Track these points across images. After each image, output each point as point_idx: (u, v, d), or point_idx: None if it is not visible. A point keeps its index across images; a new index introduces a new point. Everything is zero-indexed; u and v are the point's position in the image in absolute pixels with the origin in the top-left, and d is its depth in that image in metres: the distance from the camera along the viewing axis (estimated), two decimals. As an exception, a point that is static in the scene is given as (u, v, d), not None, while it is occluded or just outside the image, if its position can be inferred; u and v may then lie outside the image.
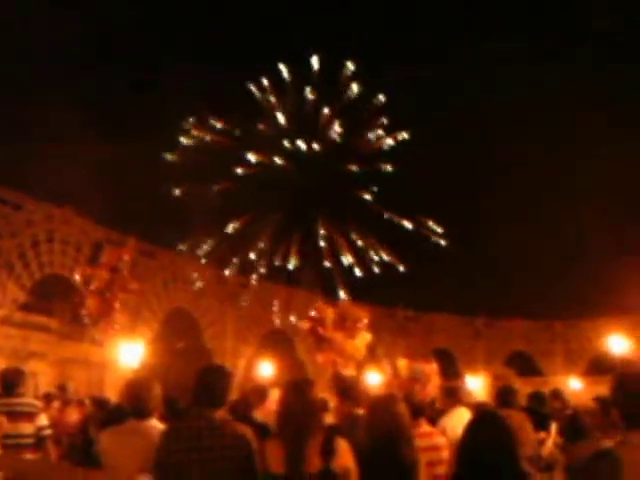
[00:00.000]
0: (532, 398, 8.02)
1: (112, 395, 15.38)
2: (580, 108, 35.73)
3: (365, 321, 27.35)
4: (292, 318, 33.23)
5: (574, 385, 33.83)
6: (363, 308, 28.50)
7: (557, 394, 10.79)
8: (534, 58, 39.35)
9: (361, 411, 5.21)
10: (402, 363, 25.55)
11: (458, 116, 38.72)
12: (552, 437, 6.66)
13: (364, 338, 27.10)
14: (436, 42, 39.89)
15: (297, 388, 4.18)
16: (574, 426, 6.55)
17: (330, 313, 27.40)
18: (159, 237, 29.40)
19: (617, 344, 27.41)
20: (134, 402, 5.25)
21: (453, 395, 7.87)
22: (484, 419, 3.71)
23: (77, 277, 24.23)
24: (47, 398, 14.02)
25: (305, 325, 27.82)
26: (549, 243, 38.07)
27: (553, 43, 38.55)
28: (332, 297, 30.08)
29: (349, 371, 25.34)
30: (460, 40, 40.20)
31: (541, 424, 6.69)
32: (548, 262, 38.07)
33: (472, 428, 3.64)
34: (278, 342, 34.62)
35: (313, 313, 27.80)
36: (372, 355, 28.29)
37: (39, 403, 7.77)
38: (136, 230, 25.76)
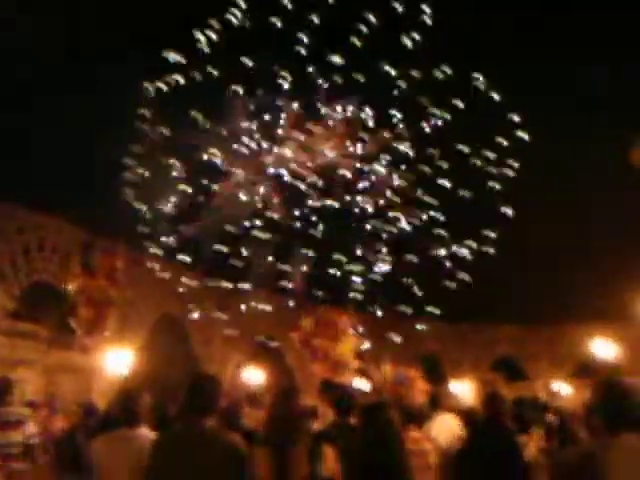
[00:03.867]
0: (514, 403, 8.12)
1: (100, 402, 15.33)
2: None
3: (344, 323, 27.16)
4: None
5: (560, 389, 33.99)
6: (344, 314, 28.35)
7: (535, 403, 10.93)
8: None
9: (352, 418, 5.27)
10: (386, 368, 25.64)
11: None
12: (534, 441, 6.74)
13: (349, 342, 26.97)
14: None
15: (283, 395, 4.23)
16: (562, 431, 6.64)
17: (308, 320, 27.31)
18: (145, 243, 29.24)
19: (602, 348, 27.60)
20: (125, 410, 5.31)
21: (437, 401, 7.98)
22: (486, 429, 3.77)
23: (71, 286, 24.18)
24: (32, 406, 14.01)
25: (294, 336, 27.72)
26: (535, 247, 38.15)
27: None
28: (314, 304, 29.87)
29: (339, 378, 25.29)
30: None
31: (523, 429, 6.79)
32: (533, 266, 38.14)
33: (474, 438, 3.70)
34: (267, 349, 34.57)
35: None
36: (360, 361, 28.23)
37: (27, 411, 7.79)
38: (124, 237, 25.70)
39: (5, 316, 23.72)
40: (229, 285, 33.77)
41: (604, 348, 27.50)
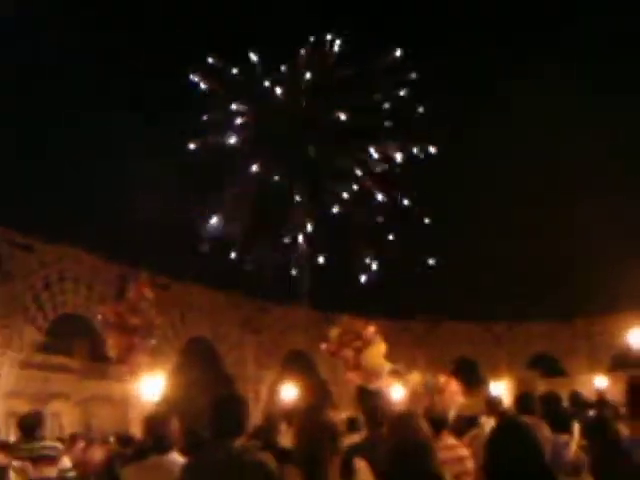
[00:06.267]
0: (547, 400, 7.85)
1: (137, 431, 15.35)
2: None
3: (369, 331, 26.96)
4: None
5: (600, 383, 33.49)
6: (376, 322, 28.23)
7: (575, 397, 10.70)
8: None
9: (383, 429, 5.16)
10: (415, 377, 25.45)
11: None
12: (575, 439, 6.53)
13: (378, 349, 26.74)
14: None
15: (311, 411, 4.13)
16: (599, 427, 6.44)
17: (334, 331, 27.20)
18: (171, 268, 29.44)
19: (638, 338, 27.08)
20: (154, 437, 5.25)
21: (495, 404, 7.98)
22: (506, 429, 3.67)
23: (99, 316, 24.33)
24: (72, 438, 14.07)
25: (323, 347, 27.64)
26: (565, 239, 37.72)
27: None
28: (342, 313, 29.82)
29: (374, 384, 25.16)
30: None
31: (562, 426, 6.57)
32: (564, 258, 37.71)
33: (495, 439, 3.60)
34: (299, 364, 34.52)
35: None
36: (394, 371, 28.02)
37: (60, 445, 7.75)
38: (147, 263, 25.84)
39: (35, 350, 23.86)
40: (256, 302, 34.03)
41: (640, 338, 26.99)
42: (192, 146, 34.12)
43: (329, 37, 38.68)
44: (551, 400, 7.39)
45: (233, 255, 34.34)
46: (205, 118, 37.90)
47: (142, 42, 32.08)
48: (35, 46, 28.29)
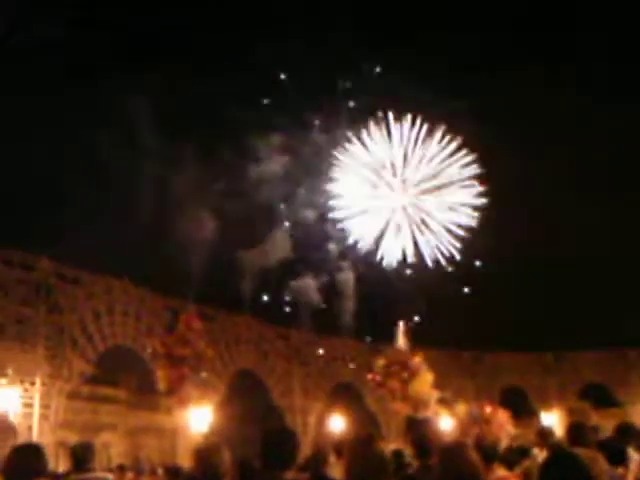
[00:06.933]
0: (614, 431, 7.54)
1: (185, 462, 15.37)
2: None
3: (415, 361, 26.78)
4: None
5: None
6: (424, 352, 28.05)
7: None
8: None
9: (433, 460, 5.08)
10: (461, 408, 25.21)
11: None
12: (632, 472, 6.32)
13: (424, 379, 26.55)
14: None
15: (362, 443, 4.10)
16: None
17: (380, 362, 27.11)
18: (218, 299, 29.56)
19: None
20: (204, 468, 5.20)
21: (546, 435, 7.81)
22: (559, 462, 3.59)
23: (149, 349, 24.55)
24: (120, 469, 14.14)
25: (369, 377, 27.56)
26: (615, 270, 37.13)
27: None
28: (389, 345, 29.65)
29: (422, 413, 24.96)
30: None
31: (618, 459, 6.34)
32: (615, 289, 37.03)
33: (547, 472, 3.53)
34: (347, 395, 34.29)
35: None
36: (442, 399, 27.77)
37: (111, 476, 7.78)
38: (193, 294, 25.99)
39: (84, 382, 24.09)
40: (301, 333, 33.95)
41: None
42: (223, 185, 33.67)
43: (378, 69, 37.63)
44: (619, 431, 7.16)
45: (274, 290, 34.14)
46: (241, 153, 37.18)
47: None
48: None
